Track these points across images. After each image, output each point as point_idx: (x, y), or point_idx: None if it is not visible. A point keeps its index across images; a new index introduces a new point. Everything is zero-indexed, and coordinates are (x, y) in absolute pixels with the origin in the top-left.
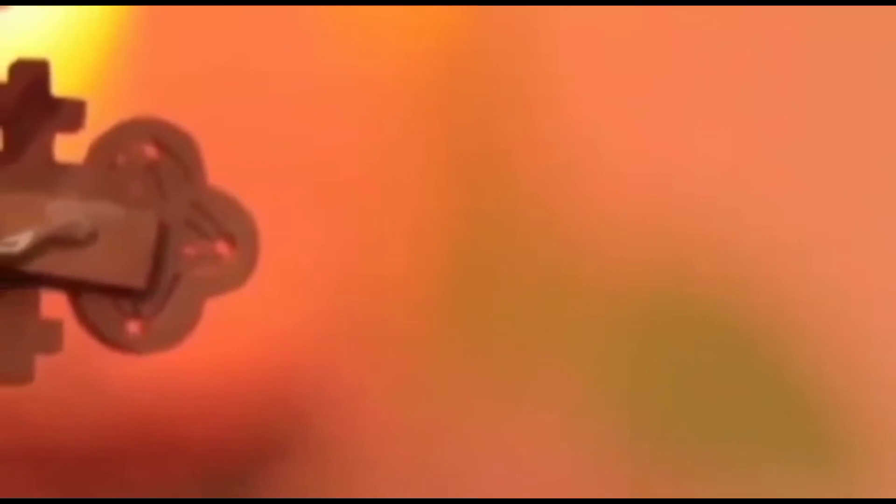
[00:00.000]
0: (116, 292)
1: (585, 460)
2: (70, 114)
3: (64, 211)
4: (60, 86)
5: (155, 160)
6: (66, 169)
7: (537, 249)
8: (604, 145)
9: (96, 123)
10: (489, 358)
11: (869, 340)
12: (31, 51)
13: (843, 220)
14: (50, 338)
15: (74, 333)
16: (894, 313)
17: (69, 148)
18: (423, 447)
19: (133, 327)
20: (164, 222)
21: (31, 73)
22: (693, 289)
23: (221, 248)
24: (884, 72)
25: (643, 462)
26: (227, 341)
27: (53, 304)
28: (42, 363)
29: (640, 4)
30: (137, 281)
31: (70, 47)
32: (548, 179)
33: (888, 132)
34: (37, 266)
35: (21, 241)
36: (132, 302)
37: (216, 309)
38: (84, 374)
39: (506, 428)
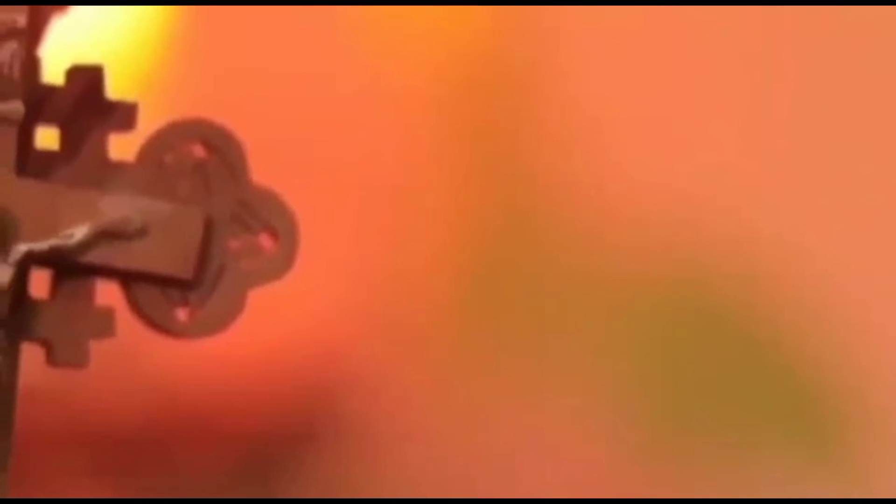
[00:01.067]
0: (166, 282)
1: (603, 443)
2: (123, 115)
3: (116, 206)
4: (114, 88)
5: (202, 159)
6: (118, 167)
7: (558, 246)
8: (622, 149)
9: (147, 124)
10: (511, 347)
11: (869, 334)
12: (86, 55)
13: (850, 221)
14: (103, 324)
15: (126, 320)
16: (891, 311)
17: (122, 147)
18: (449, 430)
19: (181, 315)
20: (211, 217)
21: (87, 77)
22: (705, 284)
23: (264, 241)
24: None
25: (658, 445)
26: (267, 330)
27: (107, 292)
28: (95, 348)
29: (661, 4)
30: (185, 272)
31: (123, 52)
32: (569, 181)
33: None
34: (91, 257)
35: (77, 233)
36: (180, 291)
37: (257, 299)
38: (134, 359)
39: (527, 413)
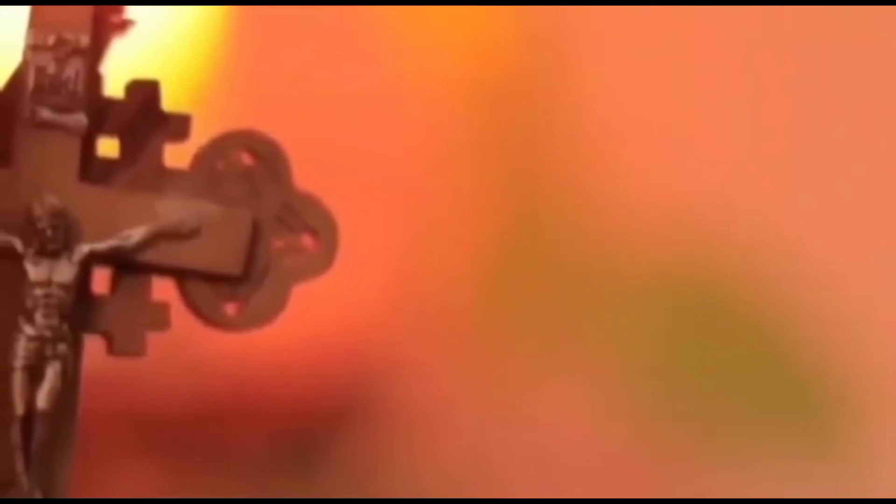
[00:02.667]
0: (216, 279)
1: (613, 423)
2: (177, 126)
3: (171, 209)
4: (169, 101)
5: (250, 166)
6: (173, 173)
7: (575, 241)
8: (632, 151)
9: (200, 134)
10: (533, 335)
11: (869, 328)
12: (144, 71)
13: (848, 220)
14: (159, 317)
15: (180, 314)
16: (891, 307)
17: (176, 155)
18: (476, 412)
19: (230, 309)
20: (257, 219)
21: (145, 92)
22: (708, 280)
23: (306, 241)
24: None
25: (663, 426)
26: (308, 319)
27: (162, 288)
28: (152, 339)
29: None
30: (234, 269)
31: (176, 69)
32: (582, 181)
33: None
34: (148, 256)
35: (135, 234)
36: (229, 287)
37: (298, 290)
38: (187, 348)
39: (542, 394)
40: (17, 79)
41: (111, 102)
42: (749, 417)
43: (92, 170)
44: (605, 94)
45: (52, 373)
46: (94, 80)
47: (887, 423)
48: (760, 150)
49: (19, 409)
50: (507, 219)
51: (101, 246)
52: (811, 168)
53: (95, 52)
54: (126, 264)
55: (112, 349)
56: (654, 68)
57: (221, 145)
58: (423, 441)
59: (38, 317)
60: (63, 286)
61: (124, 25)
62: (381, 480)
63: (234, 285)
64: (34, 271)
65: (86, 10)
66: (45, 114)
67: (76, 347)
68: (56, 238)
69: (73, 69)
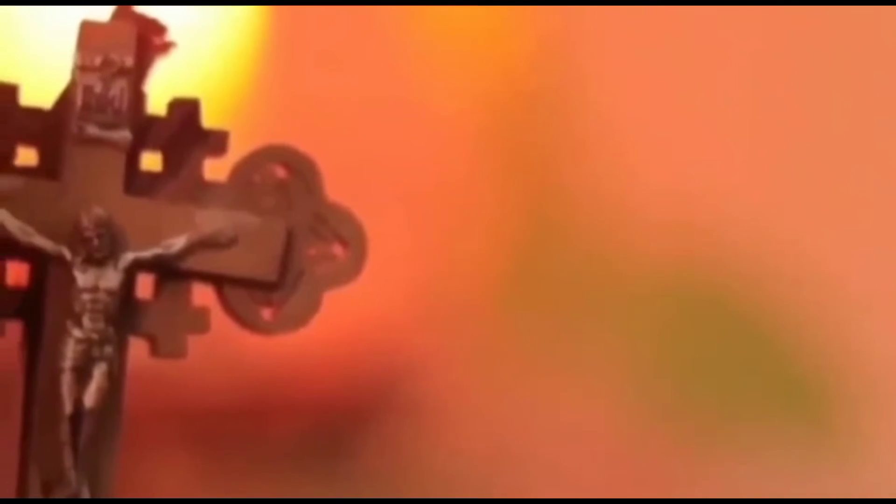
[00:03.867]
0: (252, 285)
1: (622, 416)
2: (216, 141)
3: (211, 220)
4: (208, 118)
5: (284, 179)
6: (212, 186)
7: (585, 245)
8: (641, 161)
9: (237, 148)
10: (547, 334)
11: (864, 328)
12: (185, 90)
13: (847, 222)
14: (199, 321)
15: (218, 318)
16: (886, 305)
17: (215, 169)
18: (494, 406)
19: (266, 314)
20: (291, 229)
21: (185, 109)
22: (714, 280)
23: (337, 249)
24: None
25: (670, 418)
26: (338, 321)
27: (202, 294)
28: (192, 341)
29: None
30: (270, 276)
31: (216, 87)
32: (594, 188)
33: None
34: (189, 263)
35: (176, 243)
36: (265, 293)
37: (329, 295)
38: (225, 350)
39: (558, 388)
40: (65, 97)
41: (154, 119)
42: (751, 411)
43: (136, 183)
44: (612, 108)
45: (98, 373)
46: (138, 98)
47: (882, 416)
48: (763, 160)
49: (68, 407)
50: (523, 225)
51: (145, 254)
52: (813, 173)
53: (139, 72)
54: (168, 271)
55: (155, 351)
56: (658, 85)
57: (257, 159)
58: (444, 433)
59: (86, 321)
60: (109, 292)
61: (166, 47)
62: (404, 470)
63: (270, 291)
64: (82, 278)
65: (130, 33)
66: (92, 130)
67: (121, 349)
68: (102, 247)
69: (119, 88)
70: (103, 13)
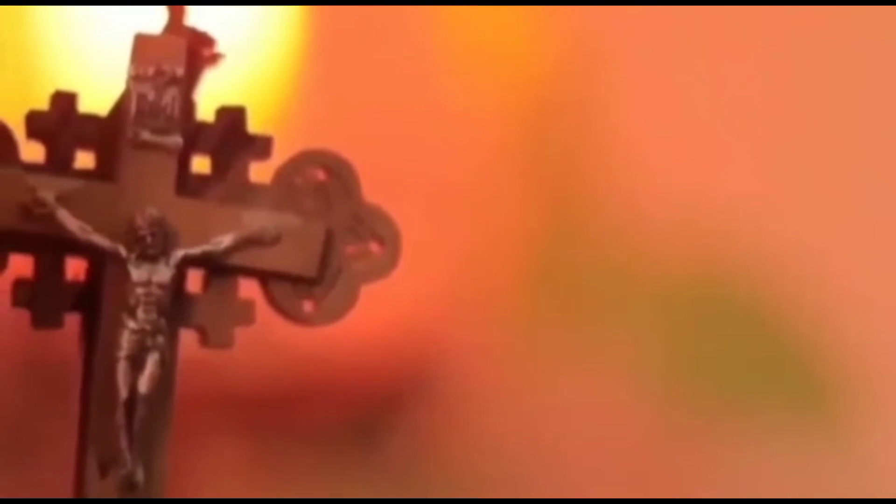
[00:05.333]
0: (295, 280)
1: (641, 404)
2: (261, 146)
3: (256, 219)
4: (253, 124)
5: (324, 181)
6: (257, 188)
7: (605, 247)
8: (654, 168)
9: (281, 152)
10: (570, 328)
11: (864, 326)
12: (232, 97)
13: (847, 231)
14: (245, 313)
15: (263, 310)
16: (885, 306)
17: (260, 172)
18: (521, 395)
19: (307, 306)
20: (331, 228)
21: (232, 116)
22: (722, 280)
23: (373, 247)
24: None
25: (683, 408)
26: (374, 314)
27: (248, 288)
28: (239, 333)
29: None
30: (310, 272)
31: (261, 94)
32: (614, 194)
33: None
34: (235, 260)
35: (224, 241)
36: (307, 287)
37: (366, 290)
38: (269, 340)
39: (583, 381)
40: (121, 105)
41: (203, 125)
42: (757, 403)
43: (187, 185)
44: (629, 118)
45: (151, 361)
46: (189, 105)
47: (879, 408)
48: (770, 171)
49: (123, 393)
50: (546, 228)
51: (195, 251)
52: (817, 181)
53: (189, 81)
54: (216, 267)
55: (204, 342)
56: (672, 97)
57: (299, 163)
58: (474, 421)
59: (140, 313)
60: (161, 286)
61: (214, 58)
62: (436, 455)
63: (311, 285)
64: (136, 273)
65: (181, 46)
66: (146, 135)
67: (172, 339)
68: (155, 244)
69: (170, 96)
70: (156, 24)
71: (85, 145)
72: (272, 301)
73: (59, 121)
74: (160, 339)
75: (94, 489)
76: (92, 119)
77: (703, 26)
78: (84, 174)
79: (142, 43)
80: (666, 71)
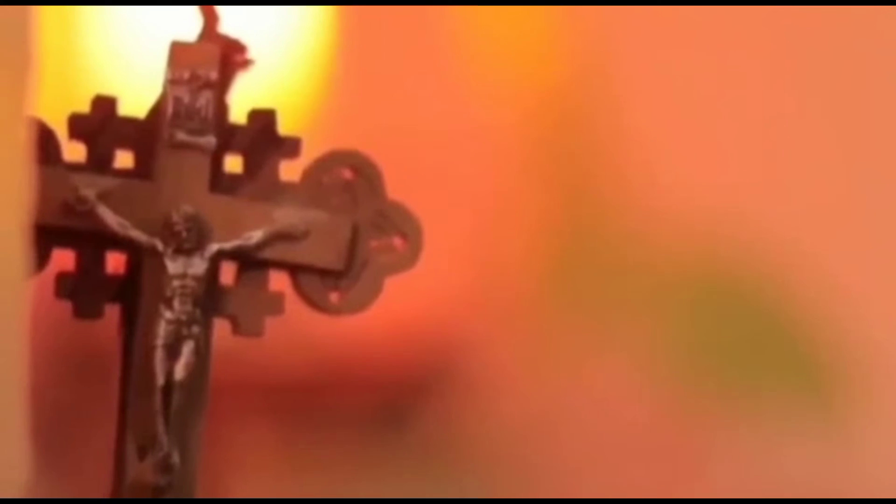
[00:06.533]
0: (322, 273)
1: (649, 389)
2: (290, 147)
3: (286, 215)
4: (283, 126)
5: (350, 180)
6: (287, 186)
7: (618, 243)
8: (666, 169)
9: (309, 152)
10: (584, 319)
11: (864, 318)
12: (263, 100)
13: (849, 226)
14: (275, 304)
15: (292, 301)
16: (886, 298)
17: (290, 171)
18: (537, 382)
19: (334, 297)
20: (356, 224)
21: (263, 118)
22: (729, 272)
23: (397, 242)
24: None
25: (694, 393)
26: (397, 306)
27: (278, 280)
28: (269, 322)
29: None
30: (337, 265)
31: (290, 98)
32: (625, 194)
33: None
34: (266, 254)
35: (255, 236)
36: (333, 279)
37: (391, 283)
38: (298, 330)
39: (596, 368)
40: (158, 108)
41: (235, 127)
42: (765, 384)
43: (220, 183)
44: (640, 124)
45: (187, 350)
46: (222, 108)
47: (877, 388)
48: (775, 171)
49: (160, 380)
50: (561, 226)
51: (228, 245)
52: (820, 179)
53: (223, 85)
54: (248, 260)
55: (236, 330)
56: (681, 104)
57: (327, 162)
58: (493, 406)
59: (176, 304)
60: (196, 278)
61: (246, 63)
62: (457, 440)
63: (337, 278)
64: (172, 266)
65: (215, 52)
66: (182, 136)
67: (207, 328)
68: (190, 239)
69: (205, 99)
70: (192, 30)
71: (124, 146)
72: (301, 292)
73: (100, 123)
74: (195, 329)
75: (133, 470)
76: (130, 121)
77: (713, 32)
78: (123, 173)
79: (178, 50)
80: (675, 82)
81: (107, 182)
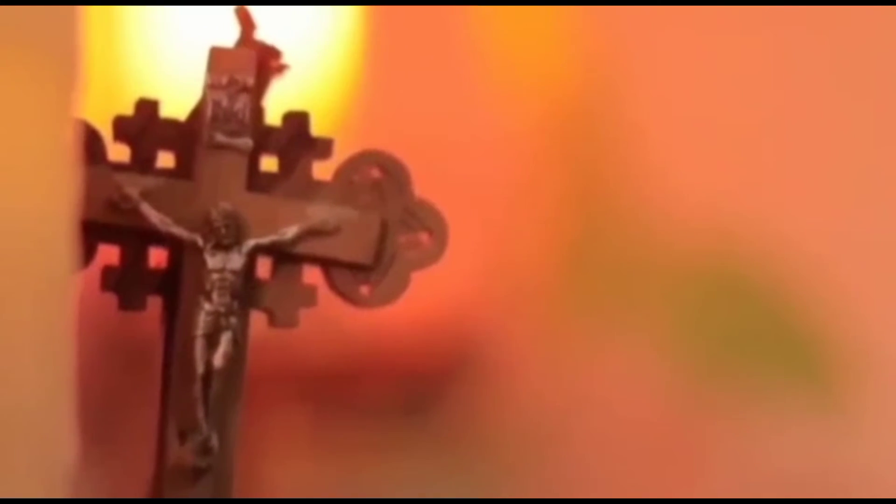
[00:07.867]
0: (353, 267)
1: (660, 378)
2: (323, 147)
3: (318, 212)
4: (316, 127)
5: (378, 179)
6: (319, 184)
7: (630, 241)
8: (676, 172)
9: (340, 153)
10: (597, 312)
11: (864, 311)
12: (297, 103)
13: (850, 224)
14: (309, 297)
15: (324, 294)
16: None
17: (322, 170)
18: (552, 372)
19: (364, 290)
20: (385, 221)
21: (297, 120)
22: (740, 266)
23: (423, 237)
24: None
25: (701, 378)
26: (423, 299)
27: (311, 274)
28: (303, 314)
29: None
30: (367, 259)
31: (323, 101)
32: (637, 192)
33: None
34: (300, 249)
35: (289, 232)
36: (363, 274)
37: (418, 278)
38: (330, 321)
39: (609, 359)
40: (198, 111)
41: (271, 129)
42: (769, 373)
43: (256, 182)
44: (650, 125)
45: (225, 340)
46: (258, 111)
47: (873, 378)
48: (779, 172)
49: (200, 368)
50: (576, 222)
51: (264, 241)
52: (821, 180)
53: (259, 89)
54: (283, 255)
55: (272, 322)
56: (690, 105)
57: (357, 162)
58: (510, 394)
59: (215, 296)
60: (234, 272)
61: (281, 69)
62: (476, 426)
63: (367, 272)
64: (211, 261)
65: (251, 57)
66: (220, 138)
67: (244, 320)
68: (228, 235)
69: (242, 103)
70: (230, 36)
71: (166, 147)
72: (332, 285)
73: (143, 125)
74: (233, 320)
75: (174, 453)
76: (172, 123)
77: (728, 35)
78: (165, 173)
79: (216, 55)
80: (689, 81)
81: (149, 181)
